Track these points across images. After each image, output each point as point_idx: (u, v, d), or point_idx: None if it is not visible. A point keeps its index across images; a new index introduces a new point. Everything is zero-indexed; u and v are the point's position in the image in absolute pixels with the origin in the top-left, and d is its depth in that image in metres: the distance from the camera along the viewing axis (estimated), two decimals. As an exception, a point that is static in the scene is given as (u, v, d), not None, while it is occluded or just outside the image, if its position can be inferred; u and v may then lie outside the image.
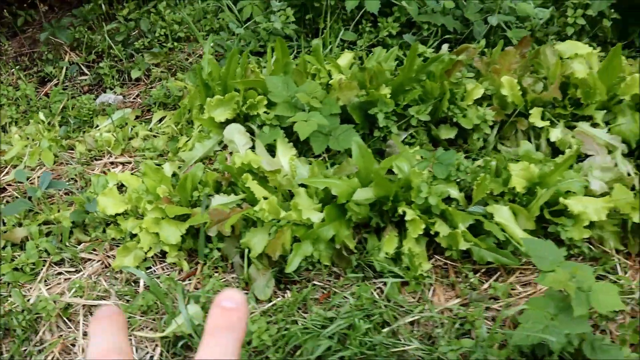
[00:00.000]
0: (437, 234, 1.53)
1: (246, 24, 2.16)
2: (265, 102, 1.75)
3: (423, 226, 1.48)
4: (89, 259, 1.71)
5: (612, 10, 1.98)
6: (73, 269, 1.69)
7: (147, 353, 1.53)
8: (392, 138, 1.65)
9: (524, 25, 2.03)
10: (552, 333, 1.29)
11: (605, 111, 1.77)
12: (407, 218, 1.48)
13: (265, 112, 1.76)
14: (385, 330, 1.47)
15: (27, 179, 1.83)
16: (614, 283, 1.56)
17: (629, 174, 1.70)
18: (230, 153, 1.75)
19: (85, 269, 1.68)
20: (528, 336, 1.30)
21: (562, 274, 1.31)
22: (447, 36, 2.09)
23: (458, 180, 1.67)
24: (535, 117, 1.72)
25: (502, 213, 1.54)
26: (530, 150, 1.61)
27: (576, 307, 1.28)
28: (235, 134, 1.69)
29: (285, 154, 1.70)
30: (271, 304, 1.56)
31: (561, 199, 1.53)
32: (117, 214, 1.66)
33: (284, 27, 2.08)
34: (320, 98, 1.73)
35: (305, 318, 1.51)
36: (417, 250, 1.55)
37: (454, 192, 1.61)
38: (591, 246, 1.62)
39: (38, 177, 1.91)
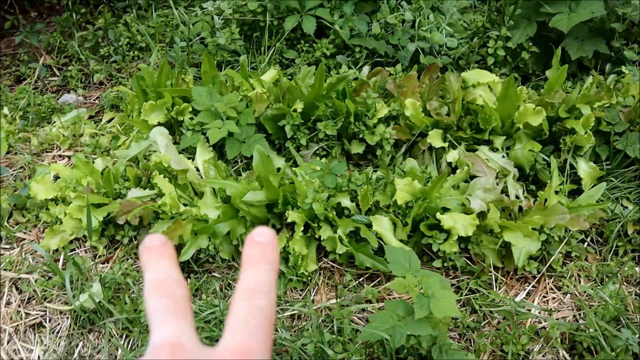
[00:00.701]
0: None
1: (199, 38, 2.36)
2: (190, 109, 1.94)
3: (302, 228, 1.63)
4: (23, 238, 1.92)
5: (531, 44, 2.09)
6: (8, 246, 1.90)
7: (59, 324, 1.73)
8: (289, 147, 1.80)
9: (449, 53, 2.16)
10: (396, 333, 1.42)
11: (504, 137, 1.88)
12: (288, 220, 1.63)
13: (190, 119, 1.95)
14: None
15: (-17, 165, 2.06)
16: (485, 296, 1.67)
17: (517, 197, 1.81)
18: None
19: (18, 247, 1.89)
20: (373, 334, 1.42)
21: (410, 279, 1.43)
22: (378, 59, 2.25)
23: (359, 192, 1.81)
24: (433, 138, 1.85)
25: (382, 223, 1.67)
26: (414, 167, 1.74)
27: (417, 311, 1.40)
28: (158, 135, 1.88)
29: (202, 156, 1.88)
30: (170, 290, 1.73)
31: (438, 214, 1.65)
32: (48, 200, 1.87)
33: (230, 43, 2.27)
34: (240, 109, 1.90)
35: (196, 304, 1.67)
36: (304, 251, 1.69)
37: (346, 202, 1.75)
38: (469, 261, 1.73)
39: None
